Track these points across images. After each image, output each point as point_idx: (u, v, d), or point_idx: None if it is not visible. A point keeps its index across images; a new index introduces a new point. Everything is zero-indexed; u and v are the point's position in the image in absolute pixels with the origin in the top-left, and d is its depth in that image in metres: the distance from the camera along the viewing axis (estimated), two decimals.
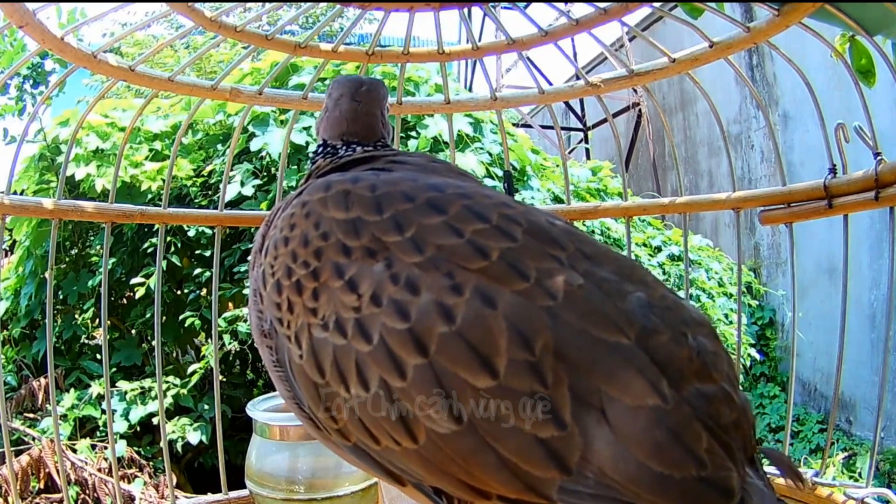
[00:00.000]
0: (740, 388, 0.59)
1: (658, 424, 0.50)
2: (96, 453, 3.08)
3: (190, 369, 3.29)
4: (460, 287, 0.56)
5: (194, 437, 3.14)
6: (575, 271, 0.57)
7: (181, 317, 3.42)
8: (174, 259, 3.42)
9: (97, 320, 3.66)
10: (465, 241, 0.59)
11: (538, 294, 0.55)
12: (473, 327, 0.54)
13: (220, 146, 3.68)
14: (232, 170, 3.37)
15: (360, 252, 0.61)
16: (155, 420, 3.09)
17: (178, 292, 3.68)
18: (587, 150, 8.80)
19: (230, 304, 3.48)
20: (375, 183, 0.67)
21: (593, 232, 3.83)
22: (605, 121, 7.72)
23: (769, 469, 0.76)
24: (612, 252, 0.64)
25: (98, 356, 3.57)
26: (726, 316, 4.31)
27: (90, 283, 3.57)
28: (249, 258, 0.81)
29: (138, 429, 3.23)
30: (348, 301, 0.59)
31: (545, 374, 0.52)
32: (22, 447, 2.89)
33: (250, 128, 3.39)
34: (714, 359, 0.56)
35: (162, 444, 1.50)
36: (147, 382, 3.32)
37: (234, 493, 1.36)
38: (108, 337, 1.39)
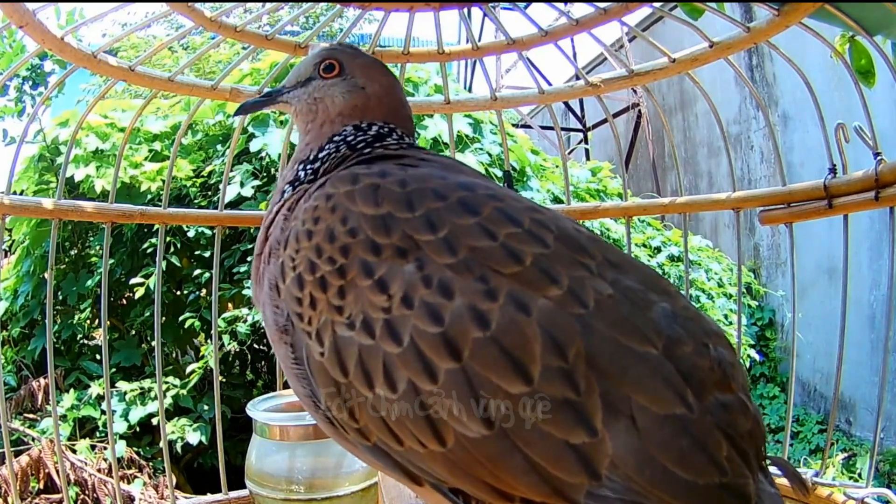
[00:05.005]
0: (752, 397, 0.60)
1: (683, 432, 0.51)
2: (96, 454, 3.08)
3: (189, 369, 3.29)
4: (494, 292, 0.56)
5: (194, 438, 3.14)
6: (604, 280, 0.58)
7: (181, 317, 3.42)
8: (174, 259, 3.42)
9: (96, 321, 3.66)
10: (498, 245, 0.58)
11: (570, 302, 0.55)
12: (508, 333, 0.54)
13: (219, 147, 3.68)
14: (232, 170, 3.36)
15: (391, 251, 0.60)
16: (154, 420, 3.10)
17: (178, 293, 3.68)
18: (587, 150, 8.80)
19: (230, 305, 3.48)
20: (405, 178, 0.65)
21: (593, 232, 3.83)
22: (604, 121, 7.71)
23: (771, 469, 0.77)
24: (634, 260, 0.65)
25: (97, 356, 3.57)
26: (726, 317, 4.31)
27: (89, 283, 3.57)
28: (252, 257, 0.80)
29: (138, 429, 3.23)
30: (377, 301, 0.58)
31: (578, 381, 0.52)
32: (22, 447, 2.89)
33: (250, 128, 3.39)
34: (732, 369, 0.58)
35: (162, 444, 1.50)
36: (147, 383, 3.32)
37: (233, 493, 1.36)
38: (107, 337, 1.38)
